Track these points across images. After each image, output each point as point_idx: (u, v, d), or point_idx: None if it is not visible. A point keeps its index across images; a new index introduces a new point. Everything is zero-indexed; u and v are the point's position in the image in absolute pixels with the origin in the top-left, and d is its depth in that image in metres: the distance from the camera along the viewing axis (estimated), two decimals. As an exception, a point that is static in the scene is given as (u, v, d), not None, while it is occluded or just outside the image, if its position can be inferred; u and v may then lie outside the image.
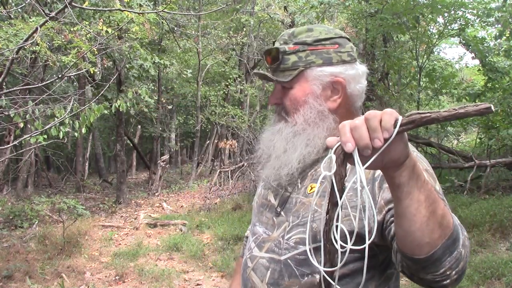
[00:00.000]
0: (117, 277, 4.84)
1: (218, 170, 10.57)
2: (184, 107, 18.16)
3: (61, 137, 3.61)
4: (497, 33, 8.38)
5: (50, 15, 3.44)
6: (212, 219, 7.35)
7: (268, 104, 1.20)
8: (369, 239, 0.74)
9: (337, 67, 1.07)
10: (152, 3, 9.79)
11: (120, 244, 6.26)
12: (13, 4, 7.29)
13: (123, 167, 9.76)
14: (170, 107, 14.78)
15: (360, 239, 0.90)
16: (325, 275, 0.78)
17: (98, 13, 6.80)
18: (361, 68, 1.11)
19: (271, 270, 1.06)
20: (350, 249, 0.87)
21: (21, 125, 3.83)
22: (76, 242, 5.83)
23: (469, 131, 13.55)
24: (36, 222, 6.72)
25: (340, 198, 0.73)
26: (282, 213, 1.09)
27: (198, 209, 8.52)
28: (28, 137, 3.65)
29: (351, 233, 0.80)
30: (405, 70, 10.95)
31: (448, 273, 0.80)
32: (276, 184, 1.14)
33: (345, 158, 0.73)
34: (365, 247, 0.74)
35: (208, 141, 16.07)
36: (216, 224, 6.91)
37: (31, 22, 4.94)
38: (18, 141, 4.74)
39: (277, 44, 1.12)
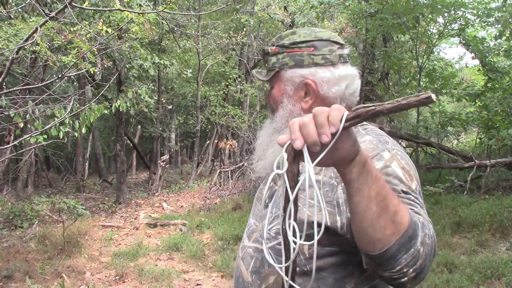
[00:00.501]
0: (117, 277, 4.84)
1: (218, 170, 10.57)
2: (184, 107, 18.16)
3: (61, 137, 3.61)
4: (497, 33, 8.38)
5: (50, 15, 3.44)
6: (212, 219, 7.35)
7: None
8: (318, 234, 0.74)
9: (307, 69, 1.10)
10: (152, 3, 9.79)
11: (120, 244, 6.26)
12: (13, 4, 7.29)
13: (123, 167, 9.76)
14: (170, 107, 14.79)
15: (335, 234, 0.95)
16: (280, 271, 0.79)
17: (98, 13, 6.80)
18: (342, 71, 1.11)
19: (255, 259, 1.10)
20: (326, 243, 0.95)
21: (21, 125, 3.83)
22: (76, 242, 5.83)
23: (469, 131, 13.55)
24: (36, 222, 6.72)
25: (295, 196, 0.74)
26: (269, 204, 1.14)
27: (198, 209, 8.52)
28: (28, 137, 3.65)
29: (325, 227, 0.80)
30: (405, 70, 10.95)
31: (405, 270, 0.80)
32: (256, 175, 1.22)
33: (296, 155, 0.74)
34: (313, 243, 0.74)
35: (208, 141, 16.07)
36: (216, 224, 6.91)
37: (31, 22, 4.94)
38: (18, 141, 4.74)
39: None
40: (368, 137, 1.05)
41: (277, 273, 1.04)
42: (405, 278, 0.81)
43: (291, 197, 0.74)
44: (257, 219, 1.17)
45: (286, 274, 0.78)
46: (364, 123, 1.13)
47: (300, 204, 1.01)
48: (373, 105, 0.70)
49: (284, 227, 0.76)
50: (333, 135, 0.71)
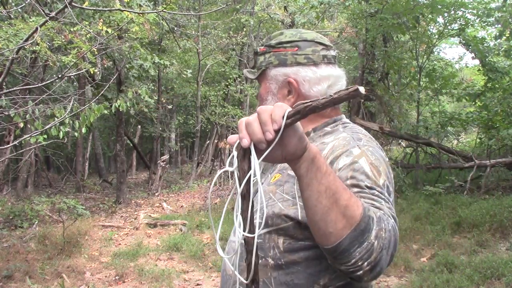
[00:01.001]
0: (117, 277, 4.84)
1: (218, 170, 10.57)
2: (184, 107, 18.16)
3: (61, 137, 3.61)
4: (497, 33, 8.39)
5: (50, 15, 3.45)
6: (212, 219, 7.35)
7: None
8: (259, 227, 0.78)
9: (290, 68, 1.14)
10: (152, 3, 9.78)
11: (120, 244, 6.26)
12: (13, 4, 7.29)
13: (123, 167, 9.76)
14: (170, 107, 14.79)
15: (305, 227, 0.96)
16: (230, 266, 0.87)
17: (98, 13, 6.80)
18: (320, 72, 1.14)
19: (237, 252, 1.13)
20: (300, 237, 0.98)
21: (21, 125, 3.83)
22: (76, 242, 5.83)
23: (469, 131, 13.55)
24: (36, 222, 6.72)
25: (241, 190, 0.78)
26: (254, 201, 1.15)
27: (198, 209, 8.52)
28: (28, 137, 3.65)
29: (288, 216, 0.89)
30: (405, 70, 10.94)
31: (359, 263, 0.81)
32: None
33: (245, 153, 0.78)
34: (254, 236, 0.79)
35: (208, 141, 16.07)
36: (216, 224, 6.91)
37: (31, 22, 4.94)
38: (18, 141, 4.74)
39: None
40: (344, 134, 1.09)
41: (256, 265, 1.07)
42: (361, 272, 0.82)
43: (239, 191, 0.78)
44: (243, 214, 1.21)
45: (248, 267, 0.82)
46: (347, 120, 1.19)
47: (276, 198, 1.07)
48: (310, 101, 0.74)
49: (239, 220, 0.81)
50: (276, 132, 0.74)
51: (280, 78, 1.15)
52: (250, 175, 0.78)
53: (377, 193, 0.92)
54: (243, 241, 0.80)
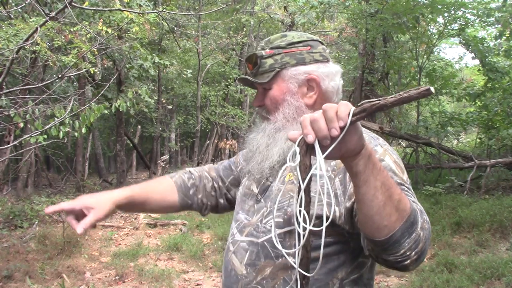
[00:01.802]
0: (117, 277, 4.84)
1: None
2: (184, 107, 18.16)
3: (61, 137, 3.61)
4: (497, 33, 8.39)
5: (50, 15, 3.45)
6: (212, 219, 7.35)
7: (253, 106, 1.35)
8: (327, 221, 0.80)
9: (310, 66, 1.17)
10: (152, 3, 9.78)
11: (120, 244, 6.26)
12: (13, 4, 7.29)
13: (123, 167, 9.76)
14: (170, 107, 14.78)
15: (334, 224, 1.01)
16: (288, 257, 0.87)
17: (98, 13, 6.80)
18: (334, 67, 1.21)
19: (250, 252, 1.13)
20: (321, 234, 0.96)
21: (21, 125, 3.83)
22: (76, 242, 5.83)
23: (469, 131, 13.55)
24: (36, 222, 6.72)
25: (305, 186, 0.80)
26: (262, 200, 1.18)
27: (198, 209, 8.52)
28: (28, 137, 3.65)
29: (320, 217, 0.87)
30: (405, 70, 10.95)
31: (408, 253, 0.87)
32: (259, 176, 1.22)
33: (307, 149, 0.80)
34: (322, 229, 0.80)
35: (208, 141, 16.06)
36: (216, 224, 6.91)
37: (31, 22, 4.93)
38: (18, 141, 4.74)
39: (257, 51, 1.22)
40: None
41: (274, 265, 1.08)
42: (408, 261, 0.87)
43: (303, 187, 0.80)
44: (248, 214, 1.20)
45: (301, 263, 0.83)
46: None
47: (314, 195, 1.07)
48: (377, 100, 0.75)
49: (296, 215, 0.82)
50: (341, 129, 0.76)
51: (300, 77, 1.17)
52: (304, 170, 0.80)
53: (406, 188, 0.98)
54: (300, 236, 0.81)
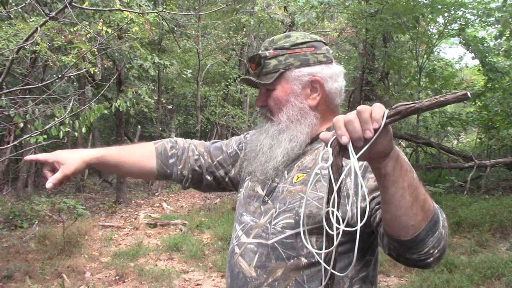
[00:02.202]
0: (117, 277, 4.84)
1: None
2: (184, 107, 18.15)
3: (61, 137, 3.61)
4: (497, 33, 8.38)
5: (50, 15, 3.44)
6: (212, 219, 7.35)
7: (255, 107, 1.35)
8: (360, 223, 0.81)
9: (314, 67, 1.17)
10: (152, 3, 9.78)
11: (120, 244, 6.26)
12: (13, 4, 7.28)
13: (123, 167, 9.74)
14: (170, 107, 14.77)
15: (346, 224, 0.99)
16: (318, 257, 0.86)
17: (98, 13, 6.80)
18: (337, 68, 1.21)
19: (259, 254, 1.12)
20: (350, 230, 0.97)
21: (21, 125, 3.82)
22: (76, 242, 5.83)
23: (469, 131, 13.55)
24: (36, 222, 6.72)
25: (338, 186, 0.81)
26: (269, 201, 1.17)
27: (198, 209, 8.52)
28: (28, 137, 3.65)
29: (344, 218, 0.89)
30: (405, 70, 10.93)
31: (431, 252, 0.89)
32: (263, 177, 1.21)
33: (340, 149, 0.80)
34: (356, 229, 0.81)
35: (208, 141, 16.06)
36: (216, 224, 6.91)
37: (31, 22, 4.93)
38: (18, 141, 4.74)
39: (261, 52, 1.20)
40: None
41: (285, 266, 1.08)
42: (431, 259, 0.90)
43: (335, 188, 0.81)
44: (255, 216, 1.18)
45: (328, 262, 0.84)
46: None
47: (310, 198, 1.08)
48: (413, 103, 0.76)
49: (327, 215, 0.83)
50: (375, 130, 0.77)
51: (304, 78, 1.17)
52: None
53: None
54: (334, 237, 0.82)
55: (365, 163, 1.01)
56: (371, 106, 0.79)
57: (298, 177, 1.14)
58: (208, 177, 1.37)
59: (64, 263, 5.12)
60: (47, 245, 5.64)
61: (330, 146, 0.81)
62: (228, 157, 1.38)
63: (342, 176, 0.81)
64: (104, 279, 4.84)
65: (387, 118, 0.77)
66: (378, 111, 0.77)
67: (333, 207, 0.81)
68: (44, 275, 4.74)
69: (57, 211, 6.52)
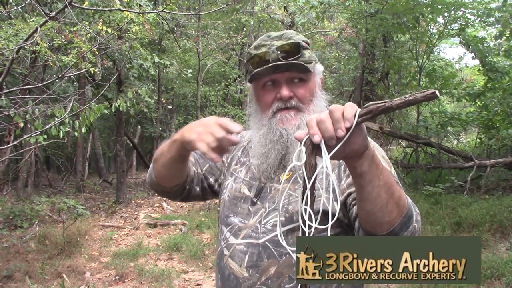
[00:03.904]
0: (117, 277, 4.84)
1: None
2: (184, 107, 18.15)
3: (61, 137, 3.61)
4: (497, 33, 8.38)
5: (50, 15, 3.44)
6: (212, 219, 7.35)
7: (277, 98, 1.17)
8: (332, 219, 0.82)
9: (321, 66, 1.22)
10: (152, 3, 9.78)
11: (120, 244, 6.26)
12: (13, 4, 7.28)
13: (123, 167, 9.75)
14: (170, 107, 14.78)
15: (332, 217, 1.00)
16: (293, 254, 0.87)
17: (98, 13, 6.80)
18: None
19: (249, 254, 1.12)
20: (321, 228, 0.99)
21: (21, 125, 3.83)
22: (76, 242, 5.83)
23: (469, 131, 13.55)
24: (36, 222, 6.72)
25: (311, 185, 0.82)
26: (258, 202, 1.16)
27: (198, 209, 8.52)
28: (28, 137, 3.65)
29: (322, 213, 0.90)
30: (405, 70, 10.94)
31: None
32: (249, 177, 1.21)
33: (313, 148, 0.82)
34: (327, 227, 0.83)
35: (208, 141, 16.04)
36: (216, 224, 6.90)
37: (31, 22, 4.93)
38: (18, 141, 4.74)
39: (279, 43, 1.14)
40: None
41: (278, 264, 1.08)
42: None
43: (308, 186, 0.82)
44: (243, 217, 1.18)
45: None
46: None
47: (298, 194, 1.09)
48: (383, 102, 0.77)
49: (300, 212, 0.84)
50: (347, 129, 0.78)
51: (321, 75, 1.22)
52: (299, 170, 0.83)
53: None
54: (306, 233, 0.83)
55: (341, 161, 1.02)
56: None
57: (283, 175, 1.14)
58: (197, 188, 1.34)
59: (64, 263, 5.12)
60: (47, 245, 5.64)
61: (304, 145, 0.82)
62: (213, 164, 1.34)
63: (315, 174, 0.82)
64: (104, 279, 4.84)
65: (359, 117, 0.77)
66: (350, 110, 0.78)
67: (306, 204, 0.82)
68: (44, 275, 4.74)
69: (57, 211, 6.52)
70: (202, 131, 1.00)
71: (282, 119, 1.14)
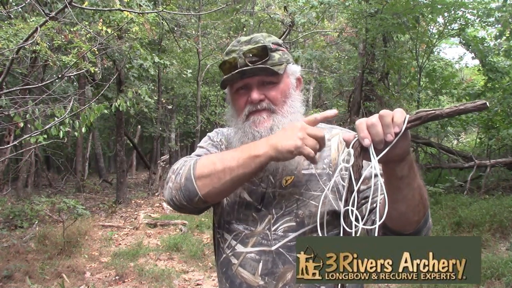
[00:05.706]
0: (117, 277, 4.84)
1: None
2: (184, 107, 18.15)
3: (61, 137, 3.61)
4: (497, 33, 8.38)
5: (50, 15, 3.44)
6: (212, 219, 7.35)
7: (248, 102, 1.14)
8: (380, 221, 0.85)
9: (297, 66, 1.23)
10: (152, 3, 9.78)
11: (120, 244, 6.26)
12: (13, 4, 7.28)
13: (123, 167, 9.75)
14: (170, 107, 14.78)
15: (337, 217, 1.02)
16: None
17: (98, 13, 6.80)
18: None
19: (263, 261, 1.11)
20: (329, 228, 1.04)
21: (21, 125, 3.83)
22: (76, 242, 5.83)
23: (469, 131, 13.55)
24: (36, 222, 6.72)
25: (358, 186, 0.84)
26: (262, 208, 1.14)
27: (198, 209, 8.51)
28: (28, 137, 3.65)
29: (329, 213, 0.97)
30: (405, 70, 10.94)
31: None
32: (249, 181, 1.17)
33: (361, 151, 0.84)
34: (375, 227, 0.84)
35: (208, 141, 16.03)
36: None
37: (31, 22, 4.93)
38: (18, 141, 4.74)
39: (247, 48, 1.14)
40: (336, 130, 1.22)
41: (294, 269, 1.08)
42: None
43: (356, 188, 0.84)
44: (248, 224, 1.15)
45: None
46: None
47: (305, 198, 1.10)
48: (433, 110, 0.81)
49: (344, 214, 0.86)
50: (396, 134, 0.82)
51: (296, 75, 1.21)
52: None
53: None
54: (352, 234, 0.85)
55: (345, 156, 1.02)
56: (392, 110, 0.83)
57: (286, 180, 1.13)
58: None
59: (64, 263, 5.12)
60: (47, 245, 5.64)
61: (352, 148, 0.85)
62: None
63: (363, 176, 0.84)
64: (104, 279, 4.84)
65: (408, 123, 0.81)
66: (400, 115, 0.82)
67: (352, 206, 0.84)
68: (44, 275, 4.74)
69: (57, 211, 6.53)
70: (303, 136, 0.98)
71: (255, 122, 1.14)
